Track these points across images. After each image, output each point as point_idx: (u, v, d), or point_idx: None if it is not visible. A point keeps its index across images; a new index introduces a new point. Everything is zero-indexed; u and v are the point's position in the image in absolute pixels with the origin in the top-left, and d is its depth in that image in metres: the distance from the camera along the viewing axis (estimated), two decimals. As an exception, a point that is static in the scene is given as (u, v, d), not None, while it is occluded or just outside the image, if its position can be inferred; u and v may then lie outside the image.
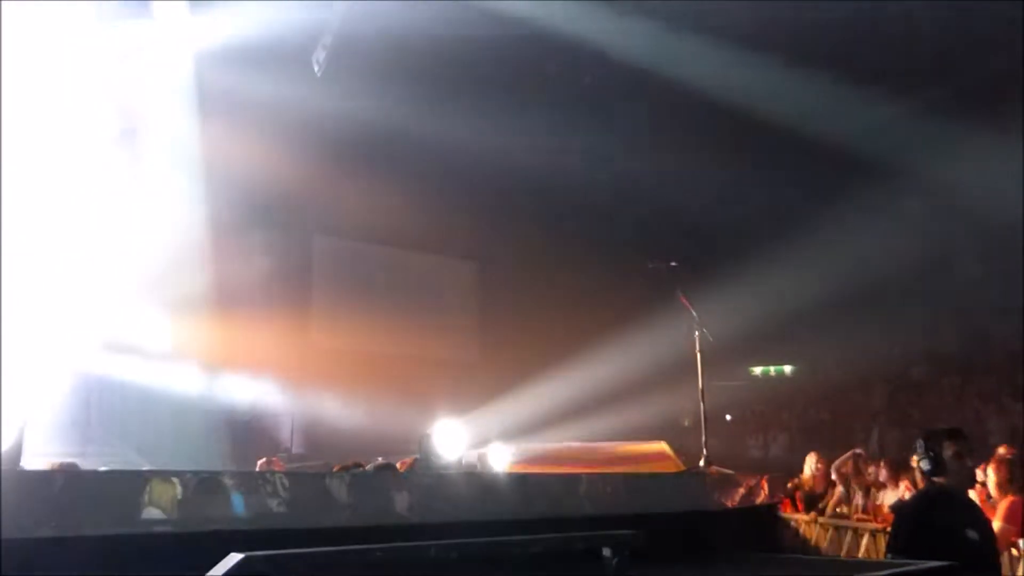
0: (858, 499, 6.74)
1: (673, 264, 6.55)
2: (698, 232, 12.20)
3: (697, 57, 10.37)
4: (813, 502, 7.37)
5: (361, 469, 4.92)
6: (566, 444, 9.35)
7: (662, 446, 7.83)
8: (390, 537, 3.17)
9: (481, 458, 6.37)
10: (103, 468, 5.80)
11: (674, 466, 7.15)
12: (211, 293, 10.18)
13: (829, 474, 7.37)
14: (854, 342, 12.46)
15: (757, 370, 15.04)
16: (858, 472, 6.90)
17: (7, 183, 8.08)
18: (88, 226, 9.21)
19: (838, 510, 7.00)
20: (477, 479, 4.78)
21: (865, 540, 6.35)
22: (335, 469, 5.73)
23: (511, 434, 9.64)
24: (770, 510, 5.98)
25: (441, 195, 11.85)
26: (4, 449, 3.16)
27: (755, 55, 10.26)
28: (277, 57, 9.56)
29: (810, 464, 7.60)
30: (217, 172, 10.19)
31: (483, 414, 10.07)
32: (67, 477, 3.07)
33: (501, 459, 6.76)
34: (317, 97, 10.21)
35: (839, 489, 7.13)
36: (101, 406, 8.93)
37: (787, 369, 15.06)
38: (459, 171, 11.36)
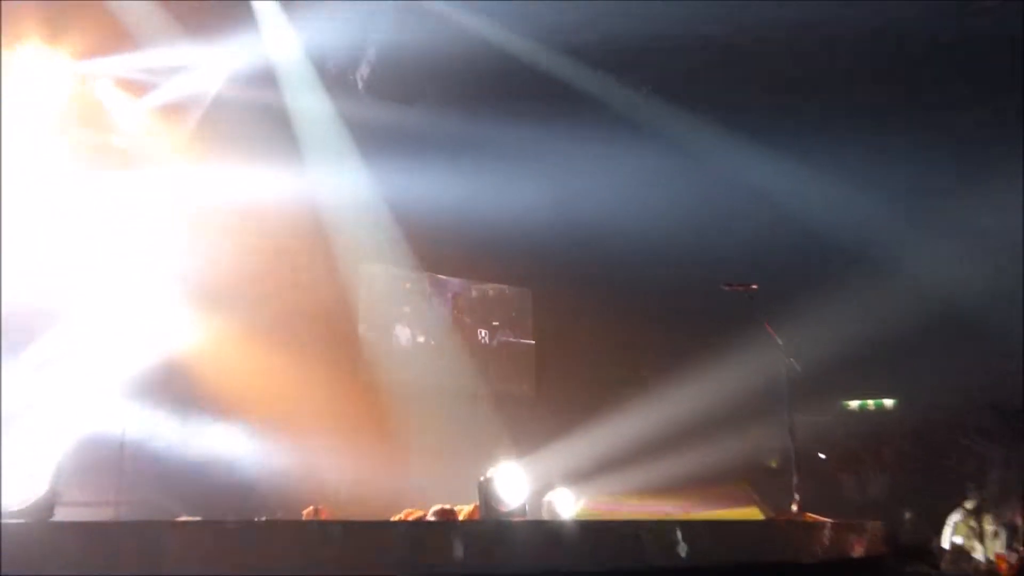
0: (978, 552, 6.47)
1: (754, 287, 6.46)
2: (783, 250, 11.98)
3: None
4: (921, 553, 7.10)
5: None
6: (638, 489, 9.22)
7: (746, 489, 7.71)
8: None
9: (546, 505, 6.30)
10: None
11: (760, 512, 7.02)
12: (252, 327, 10.33)
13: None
14: (961, 373, 12.06)
15: (853, 403, 14.65)
16: (977, 520, 6.64)
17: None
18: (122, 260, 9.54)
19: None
20: (542, 528, 4.72)
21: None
22: (401, 517, 5.73)
23: (578, 478, 9.51)
24: (873, 562, 5.77)
25: (491, 215, 11.89)
26: (35, 499, 3.22)
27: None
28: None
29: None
30: (260, 201, 10.40)
31: (546, 456, 9.98)
32: (91, 528, 3.11)
33: (568, 505, 6.68)
34: (360, 120, 10.44)
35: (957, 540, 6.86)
36: (136, 451, 9.08)
37: (887, 402, 14.64)
38: (512, 190, 11.44)
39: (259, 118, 10.19)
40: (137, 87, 9.97)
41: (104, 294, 9.39)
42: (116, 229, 9.64)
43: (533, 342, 14.36)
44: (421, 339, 13.47)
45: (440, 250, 12.88)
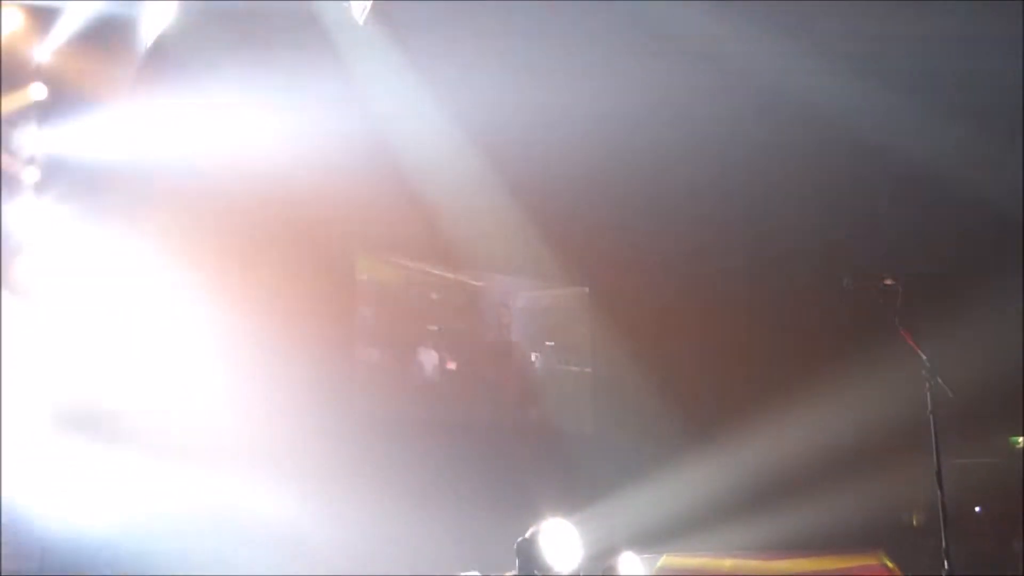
0: None
1: (888, 282, 6.52)
2: (931, 230, 11.89)
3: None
4: None
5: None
6: (732, 556, 9.27)
7: (879, 558, 7.80)
8: None
9: (608, 573, 6.40)
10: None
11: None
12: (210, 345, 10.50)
13: None
14: None
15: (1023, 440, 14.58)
16: None
17: None
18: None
19: None
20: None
21: None
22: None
23: (648, 539, 9.55)
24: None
25: (537, 181, 11.98)
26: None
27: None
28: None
29: None
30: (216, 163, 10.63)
31: (608, 510, 10.06)
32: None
33: (637, 576, 6.77)
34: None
35: None
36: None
37: (1068, 440, 14.56)
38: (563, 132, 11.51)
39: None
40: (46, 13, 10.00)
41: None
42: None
43: (590, 358, 14.40)
44: (452, 367, 13.49)
45: (472, 238, 12.86)
